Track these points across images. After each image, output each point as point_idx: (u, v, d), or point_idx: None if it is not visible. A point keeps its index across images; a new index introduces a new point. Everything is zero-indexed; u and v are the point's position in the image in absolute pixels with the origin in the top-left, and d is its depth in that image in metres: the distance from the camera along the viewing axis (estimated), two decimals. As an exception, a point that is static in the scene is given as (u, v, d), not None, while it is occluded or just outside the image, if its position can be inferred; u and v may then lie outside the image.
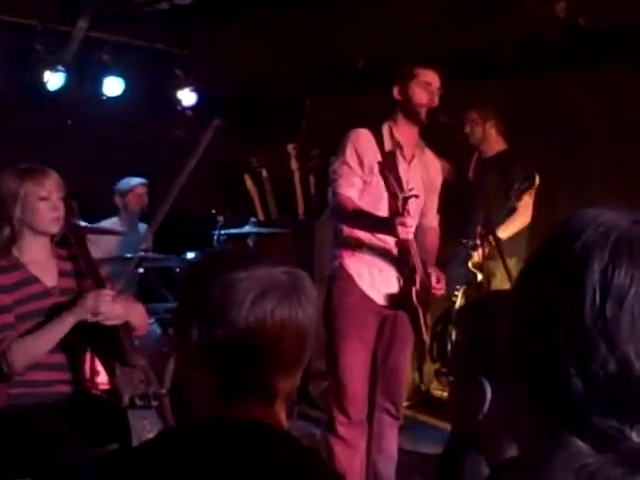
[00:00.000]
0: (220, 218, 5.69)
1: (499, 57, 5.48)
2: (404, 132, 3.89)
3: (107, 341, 3.26)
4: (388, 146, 3.84)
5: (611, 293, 0.87)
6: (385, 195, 3.80)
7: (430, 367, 5.47)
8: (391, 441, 3.98)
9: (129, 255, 4.87)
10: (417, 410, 5.41)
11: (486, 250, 4.36)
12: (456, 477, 1.82)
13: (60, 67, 6.35)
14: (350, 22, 6.04)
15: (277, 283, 1.40)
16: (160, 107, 7.13)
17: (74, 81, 6.53)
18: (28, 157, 3.41)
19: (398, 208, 3.65)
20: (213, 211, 5.78)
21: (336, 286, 3.85)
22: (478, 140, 5.17)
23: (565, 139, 5.52)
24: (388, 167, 3.77)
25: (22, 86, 6.52)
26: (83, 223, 4.33)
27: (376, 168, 3.78)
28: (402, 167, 3.86)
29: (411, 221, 3.61)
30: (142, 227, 5.60)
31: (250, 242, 5.52)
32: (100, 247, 5.27)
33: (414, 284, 3.77)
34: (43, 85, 6.37)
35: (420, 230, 3.94)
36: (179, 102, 7.03)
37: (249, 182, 6.88)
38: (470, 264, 4.51)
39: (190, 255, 5.38)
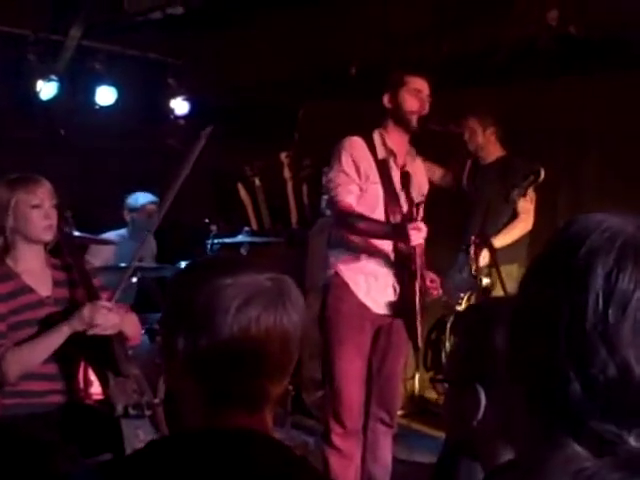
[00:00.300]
0: (213, 227, 5.68)
1: (492, 64, 5.50)
2: (395, 140, 3.90)
3: (101, 351, 3.25)
4: (381, 154, 3.85)
5: (614, 298, 0.87)
6: (381, 202, 3.80)
7: (425, 375, 5.47)
8: (385, 450, 3.97)
9: (123, 265, 4.86)
10: (411, 419, 5.41)
11: (484, 258, 4.35)
12: (451, 485, 1.82)
13: (53, 77, 6.34)
14: (342, 30, 6.04)
15: (262, 290, 1.39)
16: (153, 116, 7.12)
17: (67, 91, 6.52)
18: (21, 167, 3.41)
19: (412, 213, 3.68)
20: (206, 220, 5.77)
21: (331, 294, 3.85)
22: (477, 147, 5.16)
23: (558, 145, 5.54)
24: (383, 176, 3.79)
25: (15, 96, 6.50)
26: (77, 233, 4.31)
27: (372, 176, 3.79)
28: (395, 175, 3.87)
29: (423, 226, 3.62)
30: (149, 239, 5.60)
31: (243, 251, 5.52)
32: (99, 257, 5.28)
33: (415, 290, 3.77)
34: (36, 95, 6.36)
35: None
36: (172, 111, 7.03)
37: (242, 191, 6.88)
38: (473, 269, 4.50)
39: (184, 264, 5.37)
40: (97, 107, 6.72)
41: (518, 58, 5.34)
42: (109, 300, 3.32)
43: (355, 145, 3.83)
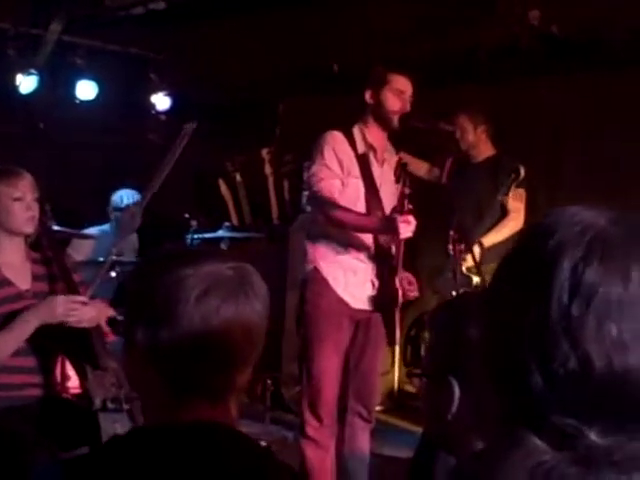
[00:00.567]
0: (194, 222, 5.67)
1: (475, 63, 5.52)
2: (375, 135, 3.90)
3: (79, 344, 3.25)
4: (361, 148, 3.85)
5: (579, 291, 0.86)
6: (362, 196, 3.81)
7: (405, 371, 5.48)
8: (363, 445, 3.98)
9: (101, 259, 4.84)
10: (390, 414, 5.42)
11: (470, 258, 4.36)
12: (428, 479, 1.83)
13: (33, 70, 6.30)
14: (325, 27, 6.05)
15: (223, 279, 1.36)
16: (134, 111, 7.09)
17: (47, 85, 6.48)
18: (0, 161, 3.39)
19: (404, 205, 3.65)
20: (187, 215, 5.76)
21: (310, 289, 3.85)
22: (469, 145, 5.13)
23: (539, 144, 5.57)
24: (363, 171, 3.79)
25: (-6, 89, 6.46)
26: (57, 227, 4.30)
27: (353, 170, 3.79)
28: (375, 170, 3.87)
29: (413, 220, 3.61)
30: (132, 235, 5.59)
31: (223, 246, 5.51)
32: (82, 251, 5.27)
33: (395, 284, 3.78)
34: (15, 88, 6.31)
35: None
36: (153, 107, 7.00)
37: (223, 187, 6.87)
38: (464, 268, 4.49)
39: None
40: (77, 102, 6.68)
41: (500, 57, 5.37)
42: (84, 294, 3.31)
43: (337, 139, 3.83)
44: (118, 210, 5.66)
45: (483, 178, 5.04)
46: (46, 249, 3.39)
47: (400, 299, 3.79)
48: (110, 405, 3.06)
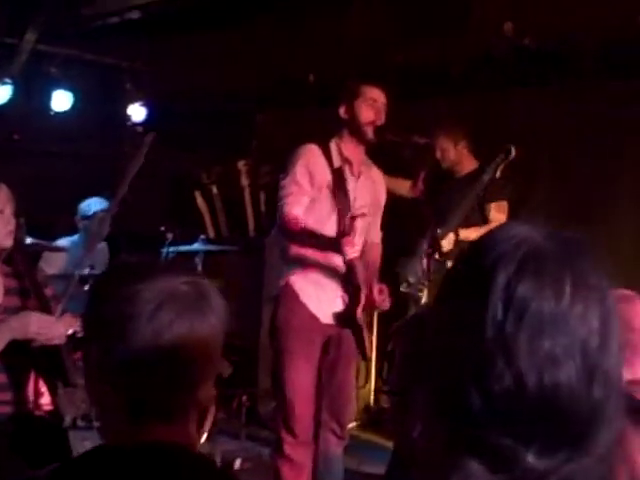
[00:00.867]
0: (169, 235, 5.63)
1: (448, 75, 5.54)
2: (351, 149, 3.90)
3: (50, 360, 3.21)
4: (337, 162, 3.85)
5: (512, 307, 0.85)
6: (333, 212, 3.81)
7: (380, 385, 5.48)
8: (337, 461, 3.97)
9: (75, 272, 4.80)
10: (365, 430, 5.41)
11: (449, 243, 4.34)
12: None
13: (7, 80, 6.27)
14: (301, 39, 6.06)
15: (177, 294, 1.33)
16: (110, 122, 7.07)
17: (22, 95, 6.45)
18: (-26, 173, 3.36)
19: (345, 227, 3.65)
20: (162, 228, 5.72)
21: (282, 305, 3.84)
22: (452, 163, 5.11)
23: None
24: (338, 184, 3.78)
25: (-33, 99, 6.41)
26: (29, 240, 4.25)
27: (326, 184, 3.79)
28: (351, 184, 3.88)
29: (358, 240, 3.61)
30: (101, 246, 5.53)
31: (198, 259, 5.47)
32: (54, 265, 5.20)
33: (359, 303, 3.78)
34: (-11, 98, 6.29)
35: (365, 246, 3.95)
36: (129, 117, 6.97)
37: (199, 198, 6.85)
38: (437, 255, 4.46)
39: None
40: (52, 112, 6.64)
41: (473, 69, 5.39)
42: (56, 309, 3.28)
43: (311, 153, 3.83)
44: (86, 218, 5.62)
45: (466, 191, 5.01)
46: (18, 263, 3.35)
47: (359, 314, 3.79)
48: (80, 422, 3.03)
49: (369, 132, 3.84)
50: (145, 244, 5.83)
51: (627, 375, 2.41)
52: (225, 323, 1.40)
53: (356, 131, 3.86)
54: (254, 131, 7.05)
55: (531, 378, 0.83)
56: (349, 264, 3.73)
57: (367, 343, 3.82)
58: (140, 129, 7.04)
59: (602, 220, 5.01)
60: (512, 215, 4.98)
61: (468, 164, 5.14)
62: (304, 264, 3.83)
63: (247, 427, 5.21)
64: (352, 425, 4.85)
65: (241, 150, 6.85)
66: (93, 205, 5.61)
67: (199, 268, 5.37)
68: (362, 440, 5.20)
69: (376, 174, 4.08)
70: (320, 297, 3.83)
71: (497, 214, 4.85)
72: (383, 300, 3.84)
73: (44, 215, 5.76)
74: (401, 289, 4.72)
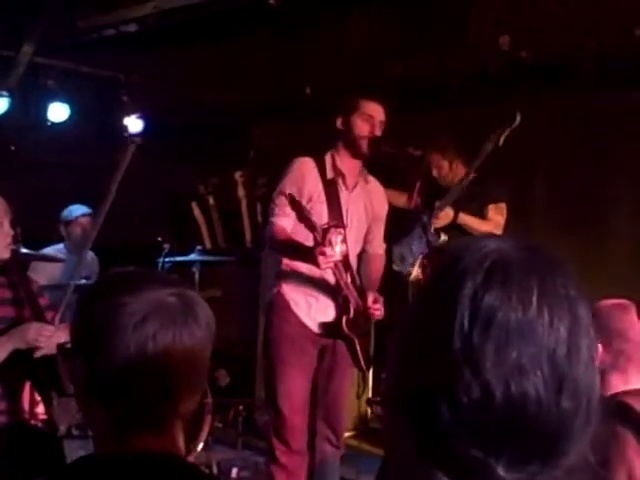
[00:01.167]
0: (166, 246, 5.63)
1: (444, 87, 5.55)
2: (346, 161, 3.92)
3: (44, 370, 3.20)
4: (330, 175, 3.86)
5: (479, 317, 0.84)
6: (325, 220, 3.81)
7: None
8: (333, 470, 3.96)
9: (69, 282, 4.79)
10: (361, 439, 5.40)
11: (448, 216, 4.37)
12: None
13: (4, 92, 6.28)
14: (298, 51, 6.07)
15: (162, 306, 1.33)
16: (106, 134, 7.07)
17: (18, 106, 6.45)
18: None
19: (317, 239, 3.63)
20: (159, 239, 5.72)
21: (274, 314, 3.86)
22: (449, 181, 5.10)
23: (507, 167, 5.59)
24: (330, 196, 3.80)
25: (-36, 111, 6.42)
26: (25, 250, 4.25)
27: (317, 195, 3.80)
28: (343, 195, 3.89)
29: (331, 251, 3.57)
30: (89, 255, 5.52)
31: (195, 270, 5.47)
32: (44, 274, 5.18)
33: (347, 313, 3.77)
34: (-14, 110, 6.29)
35: (366, 257, 3.96)
36: (125, 129, 6.97)
37: (196, 210, 6.85)
38: (432, 229, 4.45)
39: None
40: (49, 124, 6.65)
41: (470, 82, 5.40)
42: (54, 319, 3.28)
43: (302, 166, 3.85)
44: (68, 224, 5.63)
45: (463, 202, 5.02)
46: (13, 273, 3.35)
47: (345, 328, 3.78)
48: (75, 432, 3.02)
49: (363, 146, 3.86)
50: (142, 255, 5.83)
51: (621, 385, 2.41)
52: (213, 334, 1.40)
53: (351, 144, 3.88)
54: (251, 143, 7.06)
55: (498, 389, 0.83)
56: (334, 274, 3.74)
57: (360, 354, 3.82)
58: (138, 140, 7.02)
59: (601, 226, 5.05)
60: (510, 217, 4.99)
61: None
62: (295, 274, 3.85)
63: (244, 436, 5.21)
64: (347, 434, 4.83)
65: (238, 161, 6.86)
66: (74, 210, 5.63)
67: (196, 278, 5.38)
68: (361, 450, 5.21)
69: (374, 186, 4.09)
70: (311, 307, 3.84)
71: (496, 216, 4.86)
72: (377, 309, 3.84)
73: (41, 226, 5.76)
74: (393, 267, 4.73)
